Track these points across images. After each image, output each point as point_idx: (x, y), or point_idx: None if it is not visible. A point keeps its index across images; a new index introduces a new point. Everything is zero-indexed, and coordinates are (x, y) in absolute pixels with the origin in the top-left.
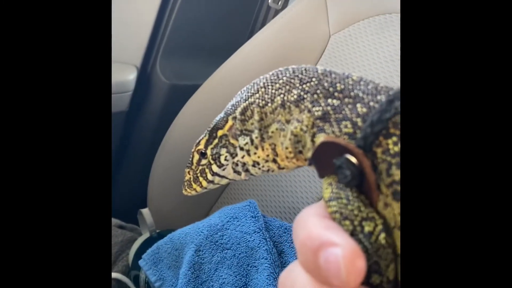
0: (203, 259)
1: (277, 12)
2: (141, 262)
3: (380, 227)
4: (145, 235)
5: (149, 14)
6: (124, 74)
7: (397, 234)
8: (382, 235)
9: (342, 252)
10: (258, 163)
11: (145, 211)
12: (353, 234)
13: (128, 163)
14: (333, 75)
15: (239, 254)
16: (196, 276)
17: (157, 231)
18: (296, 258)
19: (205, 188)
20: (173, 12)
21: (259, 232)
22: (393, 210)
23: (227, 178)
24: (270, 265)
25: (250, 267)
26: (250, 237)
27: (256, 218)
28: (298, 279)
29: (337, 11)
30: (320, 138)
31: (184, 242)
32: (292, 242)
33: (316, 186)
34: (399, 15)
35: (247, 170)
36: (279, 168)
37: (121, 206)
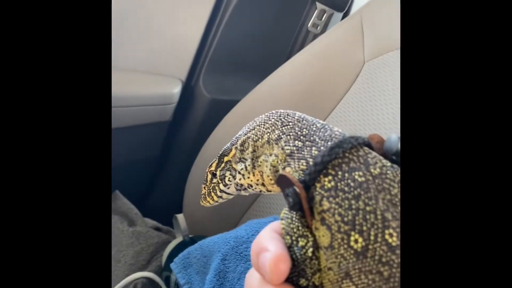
0: (228, 268)
1: (315, 36)
2: (172, 265)
3: (310, 243)
4: (179, 239)
5: (196, 32)
6: (169, 87)
7: (321, 252)
8: (310, 250)
9: (270, 256)
10: (251, 186)
11: (180, 217)
12: (290, 246)
13: (168, 169)
14: (304, 122)
15: None
16: (220, 283)
17: (190, 236)
18: None
19: (216, 201)
20: (218, 32)
21: None
22: (319, 233)
23: (232, 194)
24: None
25: None
26: None
27: None
28: (253, 274)
29: (373, 38)
30: (287, 170)
31: (212, 250)
32: None
33: None
34: None
35: (245, 189)
36: (267, 190)
37: (159, 209)
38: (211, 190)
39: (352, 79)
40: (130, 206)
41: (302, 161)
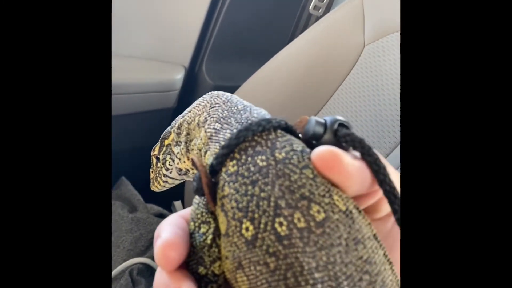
0: None
1: (318, 18)
2: None
3: (211, 230)
4: None
5: (197, 18)
6: (172, 73)
7: (221, 240)
8: (210, 237)
9: (159, 242)
10: (188, 170)
11: (178, 204)
12: (193, 232)
13: None
14: (228, 103)
15: None
16: None
17: None
18: None
19: (164, 186)
20: (219, 17)
21: None
22: (220, 219)
23: (176, 179)
24: None
25: None
26: None
27: None
28: None
29: (374, 21)
30: (207, 154)
31: None
32: None
33: None
34: None
35: (185, 174)
36: None
37: (163, 195)
38: (157, 175)
39: (352, 62)
40: (134, 192)
41: (217, 144)
